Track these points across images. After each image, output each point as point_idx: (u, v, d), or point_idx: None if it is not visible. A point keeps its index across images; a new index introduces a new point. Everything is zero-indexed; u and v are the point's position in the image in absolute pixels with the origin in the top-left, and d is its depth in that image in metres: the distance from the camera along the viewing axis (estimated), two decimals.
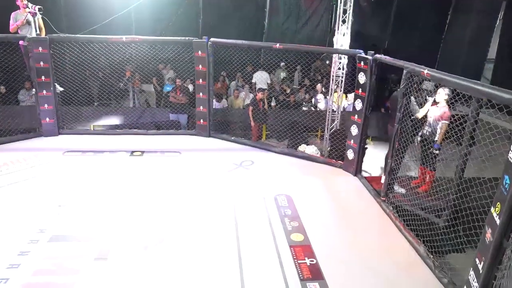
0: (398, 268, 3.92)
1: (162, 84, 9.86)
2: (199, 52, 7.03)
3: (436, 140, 5.08)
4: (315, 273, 3.78)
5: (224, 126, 7.84)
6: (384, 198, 5.17)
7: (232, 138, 7.40)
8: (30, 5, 7.13)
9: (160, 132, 7.71)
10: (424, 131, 5.27)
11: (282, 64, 10.93)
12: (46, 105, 7.07)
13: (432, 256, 3.97)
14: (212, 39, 7.04)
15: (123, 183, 5.47)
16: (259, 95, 7.94)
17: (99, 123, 8.11)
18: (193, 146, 7.00)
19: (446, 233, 4.06)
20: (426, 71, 4.23)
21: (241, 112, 8.72)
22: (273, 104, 9.13)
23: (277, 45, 6.61)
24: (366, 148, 6.21)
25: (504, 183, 2.82)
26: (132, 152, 6.60)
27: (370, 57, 5.59)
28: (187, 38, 7.13)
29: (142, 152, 6.61)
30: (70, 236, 4.18)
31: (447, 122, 4.99)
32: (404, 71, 4.74)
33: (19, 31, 7.20)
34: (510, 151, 2.78)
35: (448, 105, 5.09)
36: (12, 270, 3.60)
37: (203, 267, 3.77)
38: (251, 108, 7.88)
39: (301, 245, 4.22)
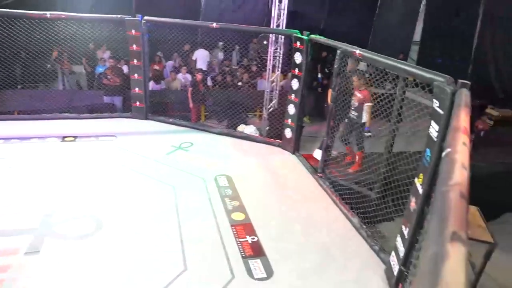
0: (334, 239, 4.15)
1: (94, 65, 9.32)
2: (133, 31, 6.72)
3: (365, 123, 5.36)
4: (257, 250, 3.89)
5: (161, 108, 7.63)
6: (321, 174, 5.39)
7: (170, 120, 7.25)
8: None
9: (93, 115, 7.32)
10: (351, 115, 5.50)
11: (220, 44, 10.80)
12: None
13: (365, 226, 4.24)
14: (146, 17, 6.75)
15: (55, 171, 5.16)
16: (199, 76, 7.81)
17: (24, 108, 7.52)
18: (130, 129, 6.76)
19: (377, 205, 4.35)
20: (358, 51, 4.41)
21: (178, 94, 8.53)
22: (209, 83, 9.02)
23: (214, 24, 6.50)
24: (304, 126, 6.40)
25: (425, 156, 3.06)
26: (64, 137, 6.22)
27: (305, 37, 5.70)
28: (118, 16, 6.77)
29: (75, 137, 6.26)
30: None
31: (370, 104, 5.26)
32: (338, 51, 4.90)
33: None
34: (431, 127, 3.01)
35: (367, 87, 5.34)
36: None
37: (145, 251, 3.73)
38: (190, 89, 7.74)
39: (242, 223, 4.30)
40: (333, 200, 4.90)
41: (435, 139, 2.91)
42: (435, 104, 2.95)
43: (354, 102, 5.43)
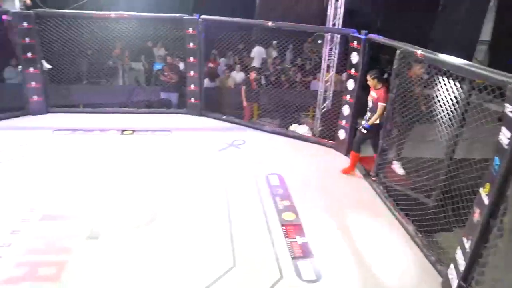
0: (387, 246, 4.01)
1: (152, 62, 9.68)
2: (190, 30, 6.89)
3: (367, 120, 5.17)
4: (306, 251, 3.84)
5: (215, 105, 7.76)
6: (374, 178, 5.22)
7: (224, 117, 7.36)
8: None
9: (150, 110, 7.62)
10: (366, 117, 5.30)
11: (274, 42, 10.78)
12: (33, 83, 6.92)
13: (421, 235, 4.05)
14: (203, 16, 6.89)
15: (114, 162, 5.43)
16: (253, 75, 7.85)
17: (88, 101, 7.97)
18: (184, 125, 6.96)
19: (435, 213, 4.13)
20: (419, 51, 4.21)
21: (232, 91, 8.63)
22: (263, 82, 9.04)
23: (270, 23, 6.51)
24: (358, 128, 6.22)
25: (494, 165, 2.85)
26: (123, 131, 6.53)
27: (363, 37, 5.54)
28: (177, 15, 6.98)
29: (133, 130, 6.55)
30: (61, 215, 4.16)
31: (383, 104, 5.01)
32: (398, 51, 4.71)
33: (1, 4, 6.95)
34: (501, 133, 2.80)
35: (386, 87, 5.05)
36: (4, 249, 3.59)
37: (194, 246, 3.80)
38: (243, 87, 7.80)
39: (292, 223, 4.26)
40: (386, 205, 4.72)
41: (506, 147, 2.70)
42: (508, 109, 2.74)
43: (369, 103, 5.23)
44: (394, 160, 5.21)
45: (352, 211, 4.59)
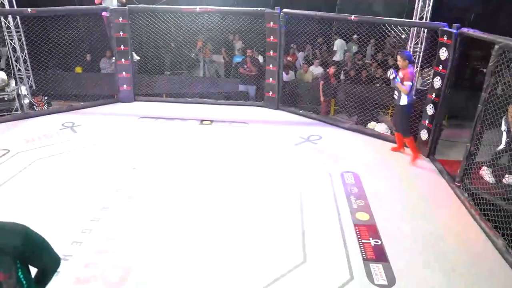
0: (471, 260, 3.70)
1: (232, 54, 9.94)
2: (271, 23, 6.93)
3: (405, 105, 5.36)
4: (379, 254, 3.70)
5: (292, 99, 7.76)
6: (459, 184, 4.85)
7: (301, 111, 7.31)
8: None
9: (229, 102, 7.83)
10: (394, 96, 5.54)
11: (355, 37, 10.47)
12: (124, 73, 7.47)
13: None
14: (284, 10, 6.89)
15: (193, 150, 5.68)
16: (331, 70, 7.71)
17: (170, 91, 8.43)
18: (261, 117, 7.04)
19: None
20: None
21: (310, 86, 8.56)
22: (342, 77, 8.83)
23: (352, 17, 6.32)
24: (443, 129, 5.83)
25: None
26: (202, 121, 6.80)
27: (455, 31, 5.14)
28: (259, 9, 7.06)
29: (211, 121, 6.79)
30: (142, 197, 4.47)
31: (410, 82, 5.26)
32: (496, 47, 4.29)
33: (102, 2, 7.59)
34: None
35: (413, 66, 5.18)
36: (95, 223, 3.98)
37: (266, 239, 3.85)
38: (322, 82, 7.69)
39: (366, 224, 4.13)
40: (471, 214, 4.36)
41: None
42: None
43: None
44: (484, 166, 4.78)
45: (431, 217, 4.31)
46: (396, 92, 5.49)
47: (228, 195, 4.57)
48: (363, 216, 4.26)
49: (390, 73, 5.40)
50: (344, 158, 5.58)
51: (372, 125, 7.13)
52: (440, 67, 5.42)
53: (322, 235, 3.93)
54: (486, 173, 4.76)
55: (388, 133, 6.78)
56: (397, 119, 5.66)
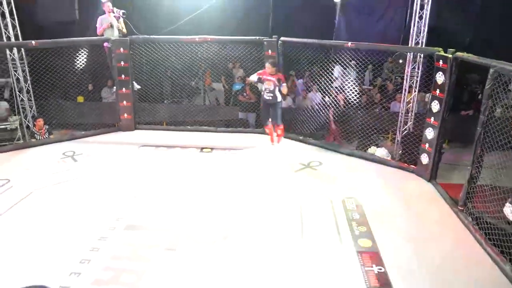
0: (477, 287, 3.61)
1: (231, 82, 10.05)
2: (269, 51, 7.05)
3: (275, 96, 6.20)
4: (383, 282, 3.62)
5: (292, 125, 7.77)
6: (462, 208, 4.80)
7: (301, 137, 7.32)
8: (115, 9, 7.65)
9: (229, 130, 7.85)
10: (269, 94, 6.22)
11: (353, 62, 10.61)
12: (124, 102, 7.55)
13: None
14: (282, 38, 7.02)
15: (193, 178, 5.66)
16: (341, 97, 7.71)
17: (171, 119, 8.48)
18: (261, 144, 7.04)
19: None
20: None
21: (309, 112, 8.60)
22: (341, 103, 8.89)
23: (349, 43, 6.43)
24: (443, 152, 5.82)
25: None
26: (202, 148, 6.81)
27: (450, 56, 5.22)
28: (257, 37, 7.20)
29: (212, 148, 6.80)
30: (143, 225, 4.43)
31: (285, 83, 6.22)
32: (491, 70, 4.35)
33: (104, 33, 7.76)
34: None
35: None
36: (94, 253, 3.91)
37: (266, 265, 3.79)
38: (332, 110, 7.67)
39: (369, 251, 4.06)
40: (477, 239, 4.28)
41: None
42: None
43: (268, 85, 6.21)
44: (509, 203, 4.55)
45: (435, 243, 4.23)
46: (270, 94, 6.19)
47: (228, 223, 4.51)
48: (366, 243, 4.19)
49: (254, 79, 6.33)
50: (345, 184, 5.54)
51: (372, 150, 7.12)
52: (438, 91, 5.47)
53: (325, 263, 3.86)
54: (509, 210, 4.56)
55: (389, 158, 6.77)
56: (275, 112, 6.36)
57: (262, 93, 6.40)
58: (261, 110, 6.76)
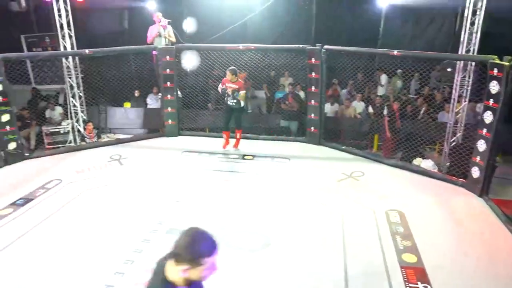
0: None
1: (273, 90, 10.08)
2: (313, 60, 7.00)
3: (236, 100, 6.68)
4: None
5: (334, 134, 7.66)
6: None
7: (343, 147, 7.19)
8: (163, 19, 7.93)
9: (270, 137, 7.85)
10: (231, 103, 6.77)
11: (399, 71, 10.32)
12: (169, 108, 7.76)
13: None
14: (325, 46, 6.95)
15: (235, 185, 5.71)
16: (395, 105, 7.51)
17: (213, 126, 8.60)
18: (303, 153, 6.98)
19: None
20: None
21: (352, 121, 8.46)
22: (385, 112, 8.66)
23: (395, 52, 6.25)
24: (497, 166, 5.50)
25: None
26: (244, 156, 6.85)
27: (507, 63, 4.94)
28: (300, 46, 7.18)
29: (253, 156, 6.82)
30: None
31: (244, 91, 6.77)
32: None
33: (153, 42, 8.07)
34: None
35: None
36: (137, 254, 4.03)
37: (309, 275, 3.73)
38: (387, 118, 7.50)
39: (413, 267, 3.90)
40: None
41: None
42: None
43: (231, 90, 6.65)
44: None
45: (487, 263, 3.99)
46: (233, 100, 6.66)
47: (269, 231, 4.50)
48: (410, 258, 4.03)
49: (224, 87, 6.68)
50: (388, 196, 5.37)
51: (417, 161, 6.86)
52: (491, 101, 5.20)
53: (366, 275, 3.76)
54: None
55: (436, 170, 6.49)
56: (238, 118, 6.92)
57: (226, 99, 6.79)
58: (223, 115, 7.19)
